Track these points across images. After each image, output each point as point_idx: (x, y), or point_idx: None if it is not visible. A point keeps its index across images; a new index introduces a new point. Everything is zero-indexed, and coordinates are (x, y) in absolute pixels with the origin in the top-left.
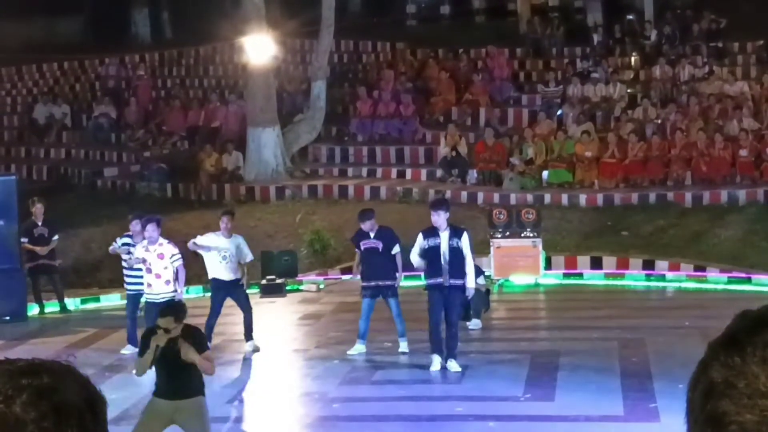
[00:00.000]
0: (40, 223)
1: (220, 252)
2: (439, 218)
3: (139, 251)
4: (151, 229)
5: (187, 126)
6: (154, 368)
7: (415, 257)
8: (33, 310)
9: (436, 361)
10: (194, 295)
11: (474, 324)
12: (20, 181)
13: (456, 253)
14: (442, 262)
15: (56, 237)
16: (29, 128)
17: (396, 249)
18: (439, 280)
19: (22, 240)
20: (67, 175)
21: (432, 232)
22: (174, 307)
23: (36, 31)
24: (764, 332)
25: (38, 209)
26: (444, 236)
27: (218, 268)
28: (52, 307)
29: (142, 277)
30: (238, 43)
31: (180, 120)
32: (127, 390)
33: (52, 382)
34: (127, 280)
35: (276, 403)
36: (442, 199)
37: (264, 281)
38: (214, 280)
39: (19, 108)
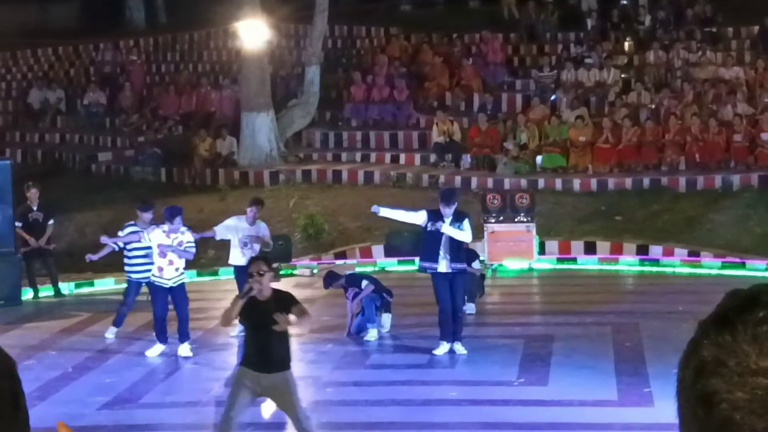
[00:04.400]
0: (35, 208)
1: (241, 237)
2: (449, 210)
3: (160, 237)
4: (179, 221)
5: (181, 111)
6: (243, 335)
7: (422, 217)
8: (27, 294)
9: (444, 347)
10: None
11: (468, 308)
12: (15, 166)
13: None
14: (441, 248)
15: (51, 222)
16: (24, 113)
17: (364, 284)
18: (434, 265)
19: (17, 224)
20: (61, 159)
21: (437, 216)
22: (262, 256)
23: (31, 15)
24: (754, 310)
25: (33, 194)
26: (446, 222)
27: (238, 255)
28: (46, 291)
29: (144, 264)
30: (232, 28)
31: (174, 105)
32: (121, 374)
33: None
34: (130, 268)
35: None
36: (453, 191)
37: None
38: (236, 266)
39: (13, 93)
